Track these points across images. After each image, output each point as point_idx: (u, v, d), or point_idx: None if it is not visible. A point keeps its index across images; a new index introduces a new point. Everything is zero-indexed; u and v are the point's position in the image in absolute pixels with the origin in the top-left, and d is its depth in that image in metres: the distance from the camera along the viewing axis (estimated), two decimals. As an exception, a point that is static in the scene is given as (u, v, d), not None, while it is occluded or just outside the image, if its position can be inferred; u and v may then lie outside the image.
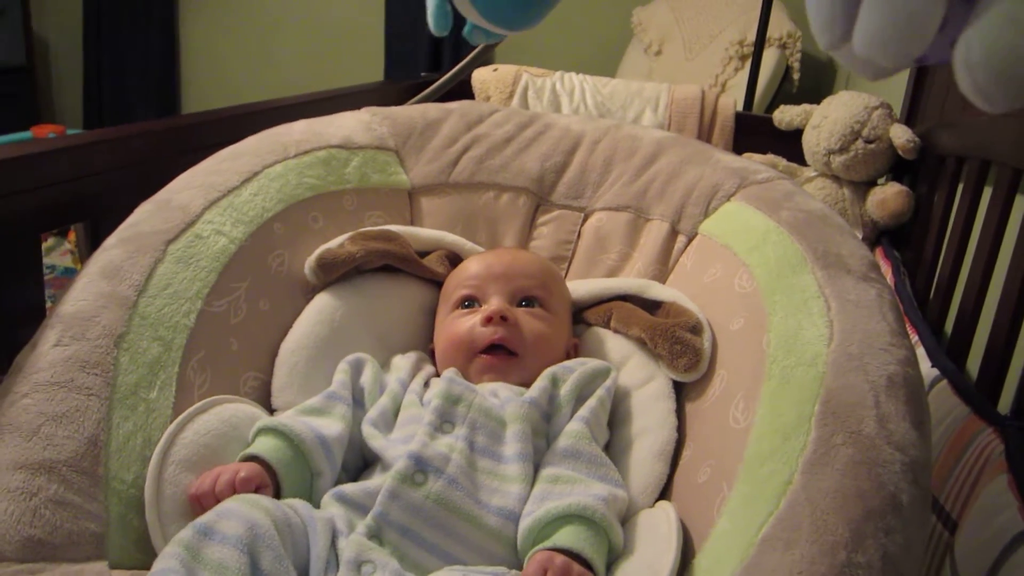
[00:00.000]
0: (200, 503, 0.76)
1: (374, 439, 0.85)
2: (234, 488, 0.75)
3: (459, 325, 0.97)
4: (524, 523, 0.77)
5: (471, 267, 1.03)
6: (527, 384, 0.91)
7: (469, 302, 1.00)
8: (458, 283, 1.02)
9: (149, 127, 1.23)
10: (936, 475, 0.96)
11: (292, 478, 0.80)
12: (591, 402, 0.89)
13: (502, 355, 0.94)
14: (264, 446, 0.81)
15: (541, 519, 0.75)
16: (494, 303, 0.97)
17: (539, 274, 1.02)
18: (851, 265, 0.88)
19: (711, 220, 1.08)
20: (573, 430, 0.86)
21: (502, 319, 0.94)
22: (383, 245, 1.03)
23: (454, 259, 1.10)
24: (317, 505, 0.80)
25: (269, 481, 0.78)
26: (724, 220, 1.06)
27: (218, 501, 0.74)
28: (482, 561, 0.76)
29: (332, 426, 0.84)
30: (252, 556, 0.65)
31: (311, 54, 4.12)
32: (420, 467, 0.78)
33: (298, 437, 0.81)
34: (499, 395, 0.89)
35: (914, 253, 1.59)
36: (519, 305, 0.98)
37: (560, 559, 0.71)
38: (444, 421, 0.84)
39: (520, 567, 0.77)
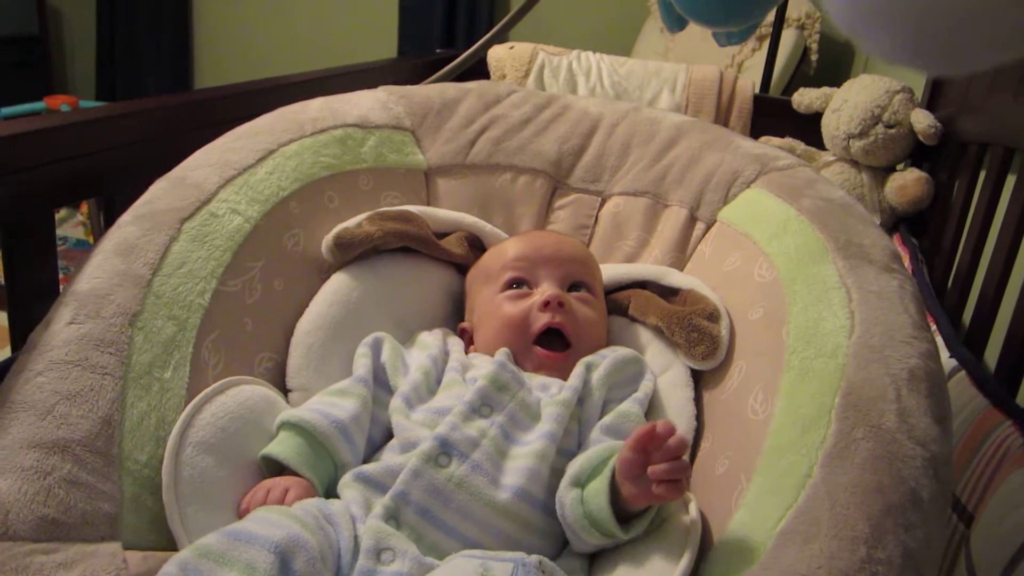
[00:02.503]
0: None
1: (399, 415, 0.85)
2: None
3: (512, 307, 0.95)
4: (574, 463, 0.78)
5: (516, 248, 1.01)
6: None
7: (519, 283, 0.98)
8: (504, 264, 1.00)
9: (164, 102, 1.22)
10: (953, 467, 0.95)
11: (318, 475, 0.80)
12: (644, 386, 0.90)
13: (557, 348, 0.94)
14: (288, 448, 0.80)
15: (601, 451, 0.77)
16: (548, 288, 0.96)
17: (585, 259, 1.02)
18: (873, 255, 0.87)
19: (730, 207, 1.06)
20: (631, 413, 0.86)
21: (559, 305, 0.94)
22: (401, 226, 1.02)
23: (473, 241, 1.10)
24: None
25: (315, 492, 0.78)
26: (744, 207, 1.05)
27: None
28: (497, 542, 0.76)
29: (347, 407, 0.84)
30: (284, 558, 0.64)
31: (324, 28, 4.09)
32: (445, 450, 0.78)
33: (321, 435, 0.81)
34: (549, 389, 0.89)
35: (932, 240, 1.58)
36: (569, 290, 0.98)
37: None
38: (484, 404, 0.84)
39: (535, 550, 0.76)
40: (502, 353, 0.91)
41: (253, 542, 0.65)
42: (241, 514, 0.76)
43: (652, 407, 0.91)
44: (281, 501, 0.76)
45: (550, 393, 0.88)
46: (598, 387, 0.88)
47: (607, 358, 0.92)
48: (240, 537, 0.65)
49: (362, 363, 0.91)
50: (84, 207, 3.12)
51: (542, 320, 0.93)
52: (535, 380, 0.90)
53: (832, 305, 0.82)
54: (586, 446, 0.83)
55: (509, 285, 0.98)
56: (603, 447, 0.79)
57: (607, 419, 0.85)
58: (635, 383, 0.91)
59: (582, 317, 0.95)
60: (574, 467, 0.78)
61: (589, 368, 0.90)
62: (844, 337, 0.78)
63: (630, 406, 0.87)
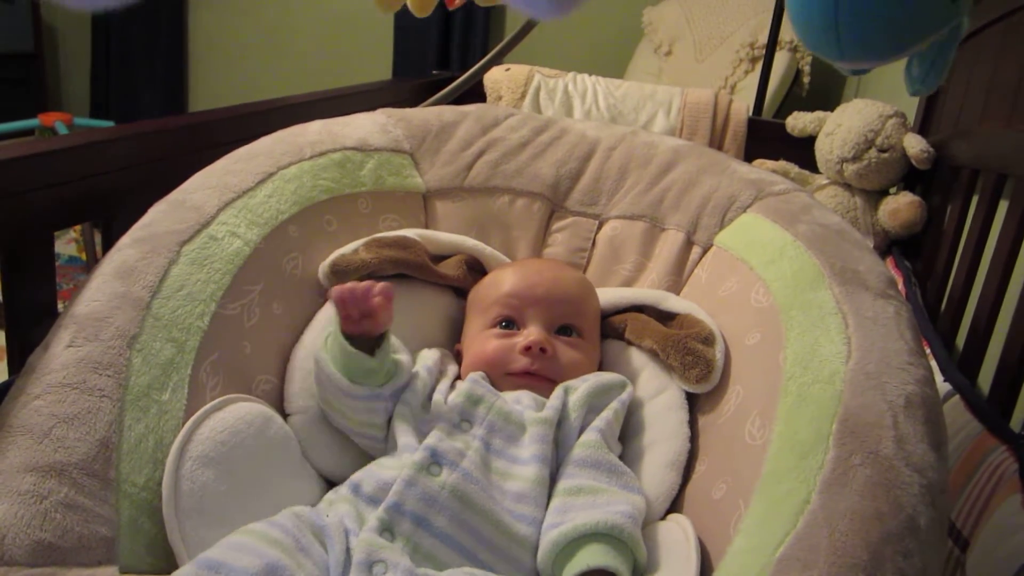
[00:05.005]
0: (343, 302, 0.85)
1: (401, 419, 0.87)
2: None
3: (494, 345, 0.96)
4: (548, 536, 0.77)
5: (511, 282, 1.01)
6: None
7: (507, 322, 0.99)
8: (495, 299, 1.00)
9: (162, 124, 1.23)
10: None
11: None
12: (606, 413, 0.90)
13: (538, 377, 0.95)
14: None
15: (568, 534, 0.75)
16: (534, 332, 0.96)
17: (578, 299, 1.01)
18: (869, 281, 0.88)
19: (727, 232, 1.07)
20: (589, 440, 0.86)
21: (541, 351, 0.95)
22: (397, 253, 1.02)
23: (473, 264, 1.10)
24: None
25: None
26: (740, 232, 1.05)
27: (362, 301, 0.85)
28: (494, 557, 0.76)
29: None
30: None
31: (319, 48, 4.11)
32: (436, 459, 0.79)
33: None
34: (521, 401, 0.90)
35: (926, 264, 1.59)
36: (558, 332, 0.98)
37: None
38: (463, 419, 0.86)
39: (531, 567, 0.77)
40: (477, 374, 0.93)
41: (232, 574, 0.64)
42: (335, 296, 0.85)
43: (646, 429, 0.92)
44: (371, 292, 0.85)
45: (524, 404, 0.89)
46: (575, 409, 0.89)
47: (587, 381, 0.92)
48: (217, 569, 0.65)
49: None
50: (77, 224, 3.12)
51: (520, 363, 0.95)
52: (509, 394, 0.91)
53: (829, 331, 0.82)
54: (559, 475, 0.84)
55: (497, 322, 0.99)
56: (557, 541, 0.77)
57: (574, 451, 0.86)
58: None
59: (566, 360, 0.96)
60: (543, 556, 0.77)
61: (568, 391, 0.91)
62: (841, 363, 0.78)
63: (589, 436, 0.87)
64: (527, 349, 0.94)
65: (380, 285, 0.86)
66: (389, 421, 0.88)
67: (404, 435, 0.85)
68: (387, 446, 0.88)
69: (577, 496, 0.80)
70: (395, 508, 0.75)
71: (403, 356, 0.93)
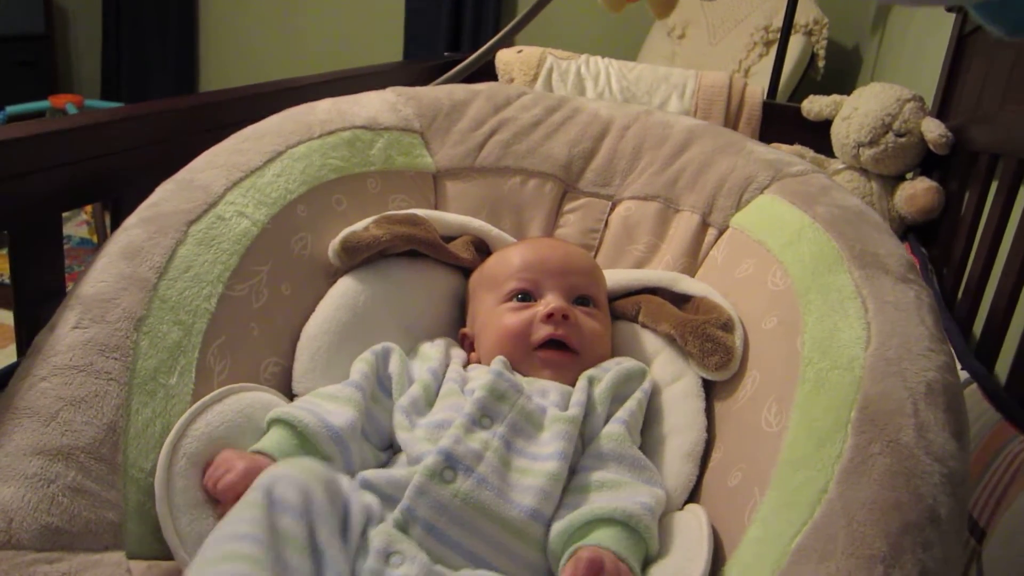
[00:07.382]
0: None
1: (402, 430, 0.84)
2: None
3: (514, 318, 0.94)
4: (559, 524, 0.75)
5: (523, 257, 1.00)
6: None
7: (523, 295, 0.97)
8: (509, 273, 0.99)
9: (172, 104, 1.21)
10: (964, 481, 0.94)
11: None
12: (630, 404, 0.88)
13: (563, 351, 0.93)
14: (270, 440, 0.79)
15: (584, 515, 0.74)
16: (553, 300, 0.95)
17: (591, 271, 1.01)
18: (889, 265, 0.86)
19: (743, 213, 1.05)
20: (613, 432, 0.84)
21: (563, 317, 0.93)
22: (409, 229, 1.01)
23: (480, 245, 1.09)
24: None
25: None
26: (757, 214, 1.03)
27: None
28: (506, 560, 0.74)
29: (341, 413, 0.82)
30: (310, 526, 0.65)
31: (330, 30, 4.10)
32: (450, 464, 0.76)
33: (301, 424, 0.79)
34: (548, 396, 0.87)
35: (942, 250, 1.57)
36: (574, 303, 0.96)
37: (611, 559, 0.70)
38: (484, 415, 0.82)
39: (544, 568, 0.76)
40: (498, 362, 0.89)
41: (285, 511, 0.65)
42: (209, 489, 0.75)
43: (663, 417, 0.90)
44: (231, 491, 0.74)
45: (551, 400, 0.87)
46: (601, 402, 0.87)
47: (610, 371, 0.90)
48: (271, 498, 0.66)
49: (359, 368, 0.89)
50: (88, 206, 3.12)
51: (544, 331, 0.93)
52: (534, 385, 0.89)
53: (848, 316, 0.81)
54: (580, 467, 0.82)
55: (513, 296, 0.97)
56: (572, 521, 0.76)
57: (597, 443, 0.84)
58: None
59: (587, 330, 0.94)
60: (555, 537, 0.76)
61: (592, 382, 0.89)
62: (860, 349, 0.76)
63: (613, 427, 0.85)
64: (549, 316, 0.92)
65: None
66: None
67: (410, 444, 0.82)
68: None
69: (600, 491, 0.78)
70: (408, 512, 0.74)
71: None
